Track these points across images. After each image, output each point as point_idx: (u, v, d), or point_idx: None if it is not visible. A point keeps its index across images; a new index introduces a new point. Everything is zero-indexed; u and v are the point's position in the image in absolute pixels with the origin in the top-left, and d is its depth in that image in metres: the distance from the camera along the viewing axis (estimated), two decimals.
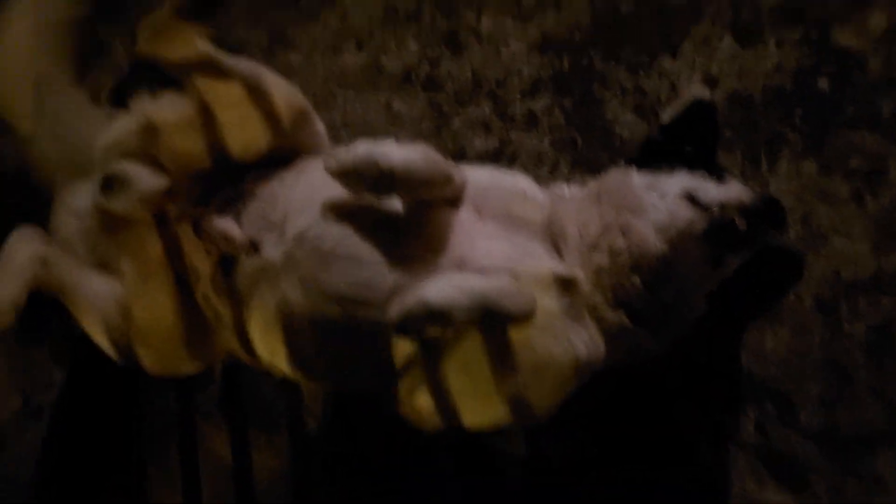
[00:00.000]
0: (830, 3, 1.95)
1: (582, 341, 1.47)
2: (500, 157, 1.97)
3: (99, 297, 1.64)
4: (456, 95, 2.02)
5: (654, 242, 1.48)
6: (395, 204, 1.50)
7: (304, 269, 1.48)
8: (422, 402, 1.48)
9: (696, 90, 1.74)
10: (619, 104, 1.96)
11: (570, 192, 1.67)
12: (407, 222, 1.49)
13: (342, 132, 2.03)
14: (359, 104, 2.05)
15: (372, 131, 2.03)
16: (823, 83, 1.91)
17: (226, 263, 1.60)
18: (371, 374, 1.52)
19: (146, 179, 1.60)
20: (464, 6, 2.07)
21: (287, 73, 2.05)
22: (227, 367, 1.86)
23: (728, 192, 1.47)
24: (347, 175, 1.43)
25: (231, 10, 2.12)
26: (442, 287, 1.34)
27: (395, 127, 2.02)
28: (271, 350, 1.57)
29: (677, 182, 1.52)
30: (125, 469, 1.84)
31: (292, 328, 1.51)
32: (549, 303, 1.46)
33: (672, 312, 1.53)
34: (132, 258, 1.66)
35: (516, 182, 1.60)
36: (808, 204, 1.84)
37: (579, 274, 1.50)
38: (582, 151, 1.95)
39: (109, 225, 1.67)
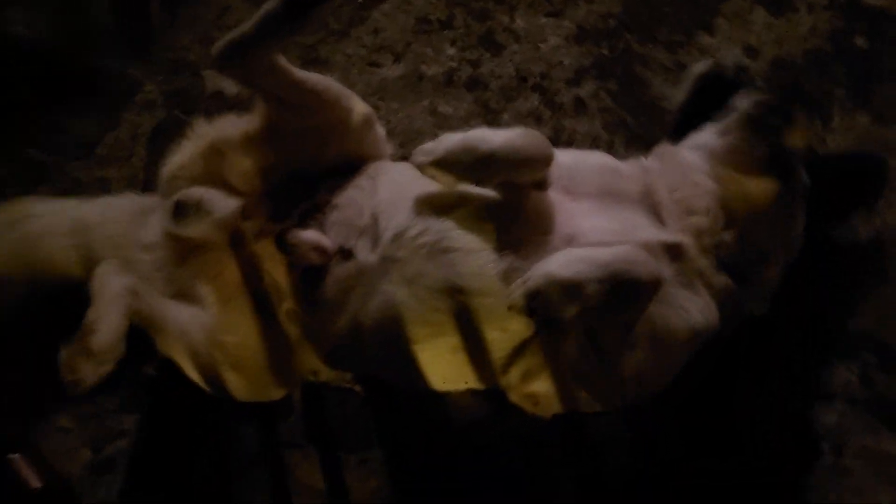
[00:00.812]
0: None
1: (697, 308, 1.44)
2: (556, 144, 1.95)
3: (185, 326, 1.56)
4: (502, 91, 2.03)
5: (715, 185, 1.50)
6: (489, 191, 1.48)
7: (409, 267, 1.43)
8: (539, 388, 1.43)
9: (697, 66, 1.75)
10: (663, 81, 1.99)
11: (645, 162, 1.67)
12: (507, 207, 1.46)
13: (389, 142, 2.01)
14: (403, 113, 2.04)
15: (420, 138, 2.01)
16: (860, 41, 1.96)
17: (311, 275, 1.55)
18: (479, 364, 1.47)
19: (218, 200, 1.56)
20: (495, 8, 2.10)
21: None
22: (306, 393, 1.79)
23: (744, 102, 1.53)
24: (444, 166, 1.41)
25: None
26: (567, 261, 1.29)
27: (443, 129, 2.00)
28: (366, 357, 1.52)
29: (710, 129, 1.57)
30: None
31: (397, 329, 1.45)
32: (662, 273, 1.44)
33: (770, 255, 1.53)
34: (210, 283, 1.59)
35: (603, 158, 1.59)
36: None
37: (685, 239, 1.49)
38: (634, 130, 1.96)
39: (183, 253, 1.61)
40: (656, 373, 1.44)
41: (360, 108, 1.66)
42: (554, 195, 1.51)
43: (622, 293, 1.30)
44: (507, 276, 1.37)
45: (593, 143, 1.96)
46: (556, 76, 2.02)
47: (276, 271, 1.59)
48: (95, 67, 2.12)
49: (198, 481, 1.73)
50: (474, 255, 1.40)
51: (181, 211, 1.56)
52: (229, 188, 1.62)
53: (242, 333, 1.58)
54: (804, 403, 1.69)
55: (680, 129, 1.71)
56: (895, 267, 1.75)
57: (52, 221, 1.67)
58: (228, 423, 1.75)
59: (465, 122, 2.01)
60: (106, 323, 1.36)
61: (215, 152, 1.62)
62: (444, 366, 1.48)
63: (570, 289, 1.27)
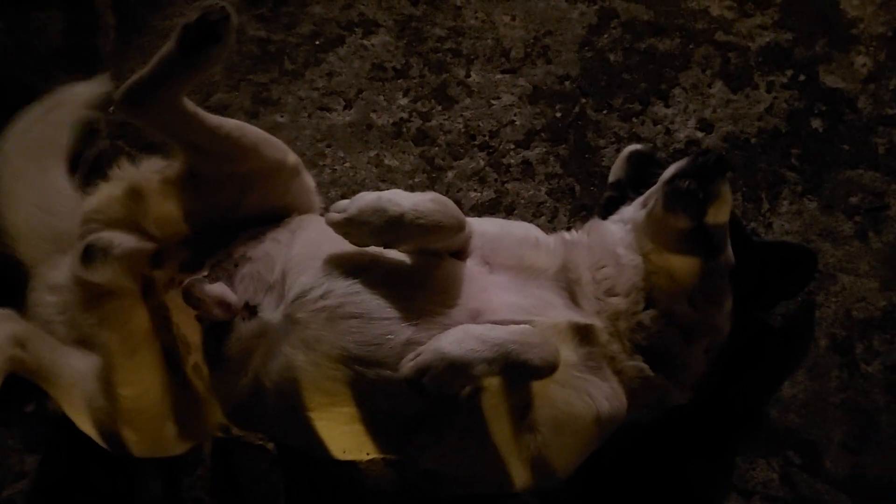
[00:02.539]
0: (815, 46, 2.02)
1: (603, 395, 1.42)
2: (497, 208, 1.95)
3: (80, 378, 1.53)
4: (449, 148, 2.02)
5: (639, 259, 1.49)
6: (402, 256, 1.47)
7: (308, 330, 1.40)
8: (435, 466, 1.41)
9: (629, 147, 1.79)
10: (616, 151, 1.97)
11: (573, 235, 1.66)
12: (416, 274, 1.45)
13: (331, 191, 2.00)
14: (349, 162, 2.03)
15: (363, 188, 2.00)
16: (817, 123, 1.95)
17: (218, 330, 1.54)
18: (380, 435, 1.46)
19: (129, 245, 1.55)
20: (452, 61, 2.10)
21: (273, 133, 2.03)
22: (216, 447, 1.77)
23: (667, 171, 1.49)
24: (354, 225, 1.39)
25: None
26: (460, 338, 1.27)
27: (386, 183, 2.00)
28: (268, 419, 1.50)
29: (634, 203, 1.58)
30: None
31: (295, 394, 1.44)
32: (568, 354, 1.40)
33: (694, 338, 1.51)
34: (116, 332, 1.56)
35: (527, 230, 1.58)
36: (812, 243, 1.84)
37: (597, 322, 1.48)
38: (581, 198, 1.95)
39: (91, 298, 1.58)
40: (560, 458, 1.41)
41: (283, 156, 1.63)
42: (471, 265, 1.50)
43: (512, 374, 1.29)
44: (405, 349, 1.35)
45: (537, 210, 1.95)
46: (505, 136, 2.01)
47: (185, 324, 1.56)
48: (42, 88, 2.12)
49: None
50: (374, 323, 1.39)
51: (90, 255, 1.54)
52: (146, 234, 1.61)
53: (143, 386, 1.55)
54: (721, 497, 1.67)
55: (612, 205, 1.71)
56: (825, 363, 1.74)
57: None
58: (132, 469, 1.73)
59: (409, 177, 2.00)
60: None
61: (134, 196, 1.60)
62: (342, 435, 1.46)
63: (459, 367, 1.25)
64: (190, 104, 1.50)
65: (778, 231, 1.84)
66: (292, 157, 1.66)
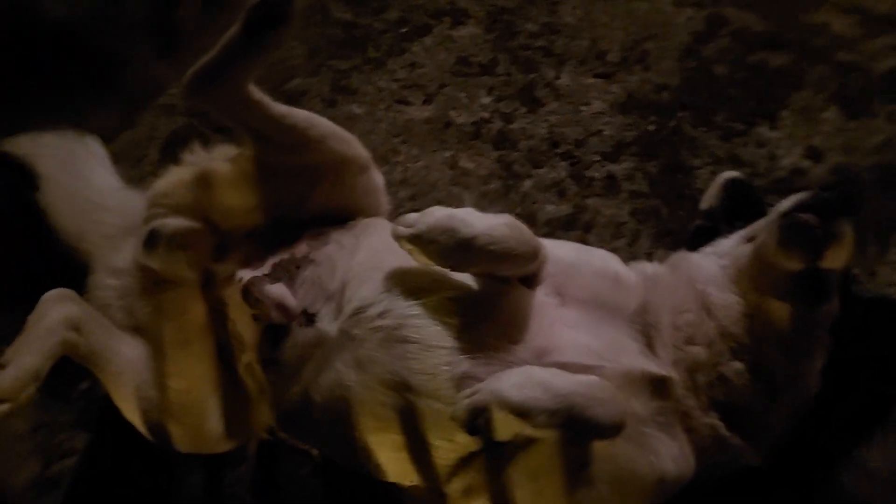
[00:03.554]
0: None
1: (671, 455, 1.30)
2: (573, 224, 1.83)
3: (130, 366, 1.50)
4: (530, 154, 1.90)
5: (734, 299, 1.33)
6: (470, 280, 1.38)
7: (363, 350, 1.32)
8: None
9: (725, 173, 1.61)
10: (711, 173, 1.81)
11: (653, 271, 1.54)
12: (481, 302, 1.35)
13: (401, 191, 1.91)
14: (422, 161, 1.93)
15: (433, 192, 1.91)
16: None
17: (274, 333, 1.48)
18: (426, 467, 1.38)
19: (182, 225, 1.51)
20: (542, 60, 1.97)
21: (348, 124, 1.96)
22: (261, 446, 1.73)
23: (785, 202, 1.31)
24: (421, 243, 1.30)
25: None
26: (522, 382, 1.16)
27: (459, 187, 1.89)
28: (315, 433, 1.44)
29: (733, 237, 1.41)
30: None
31: (344, 413, 1.38)
32: (637, 408, 1.28)
33: (779, 396, 1.37)
34: (172, 322, 1.53)
35: (606, 261, 1.46)
36: None
37: (674, 374, 1.35)
38: (666, 222, 1.80)
39: (150, 285, 1.54)
40: None
41: (351, 151, 1.55)
42: (542, 295, 1.39)
43: (574, 430, 1.18)
44: (461, 383, 1.25)
45: (617, 231, 1.81)
46: (591, 146, 1.88)
47: (241, 321, 1.51)
48: (124, 60, 2.10)
49: None
50: (431, 351, 1.29)
51: (153, 241, 1.51)
52: (211, 224, 1.56)
53: (193, 380, 1.51)
54: None
55: (701, 237, 1.57)
56: None
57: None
58: (176, 459, 1.70)
59: (483, 182, 1.89)
60: (19, 364, 1.31)
61: (202, 184, 1.55)
62: (387, 460, 1.39)
63: (516, 414, 1.14)
64: (256, 91, 1.43)
65: (883, 281, 1.66)
66: (362, 153, 1.58)
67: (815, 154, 1.77)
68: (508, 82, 1.91)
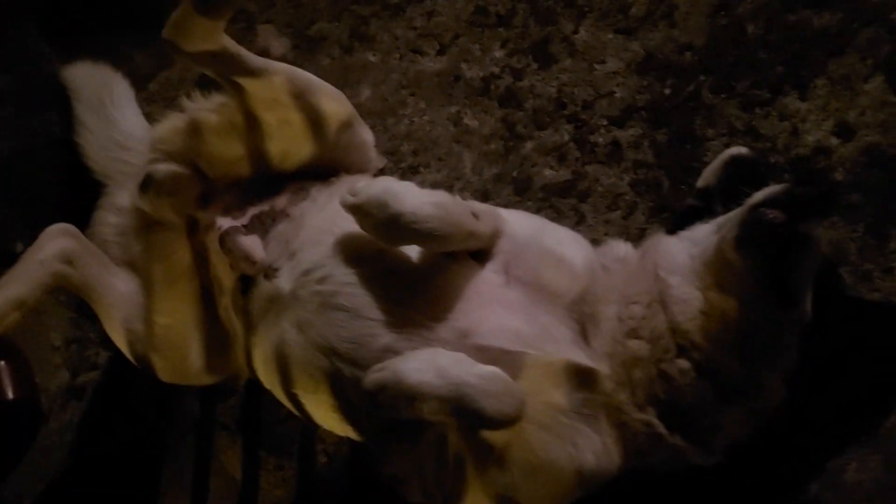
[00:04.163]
0: None
1: (591, 448, 1.26)
2: (569, 192, 1.74)
3: (121, 300, 1.63)
4: (535, 115, 1.80)
5: (694, 294, 1.25)
6: (413, 252, 1.37)
7: (304, 311, 1.35)
8: (397, 474, 1.36)
9: (732, 149, 1.46)
10: (724, 146, 1.65)
11: (624, 254, 1.45)
12: (417, 276, 1.34)
13: (405, 144, 1.89)
14: (428, 116, 1.89)
15: (434, 148, 1.88)
16: None
17: (245, 282, 1.55)
18: (358, 428, 1.42)
19: (168, 171, 1.56)
20: (563, 12, 1.84)
21: (362, 73, 1.95)
22: (250, 382, 1.83)
23: (756, 195, 1.21)
24: (360, 214, 1.29)
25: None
26: (421, 366, 1.15)
27: (460, 145, 1.84)
28: (269, 381, 1.51)
29: (711, 223, 1.30)
30: (144, 465, 1.88)
31: (285, 369, 1.44)
32: (558, 397, 1.24)
33: (733, 399, 1.29)
34: (161, 262, 1.63)
35: (557, 242, 1.39)
36: None
37: (602, 367, 1.29)
38: (666, 198, 1.67)
39: (143, 226, 1.65)
40: (529, 503, 1.31)
41: (333, 107, 1.56)
42: (489, 272, 1.36)
43: (462, 420, 1.17)
44: (382, 355, 1.28)
45: (613, 202, 1.71)
46: (599, 109, 1.76)
47: (220, 267, 1.59)
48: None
49: (137, 437, 1.87)
50: (359, 321, 1.31)
51: (145, 185, 1.60)
52: (199, 172, 1.63)
53: (176, 317, 1.61)
54: None
55: (690, 217, 1.46)
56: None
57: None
58: (177, 388, 1.84)
59: (485, 142, 1.83)
60: (5, 293, 1.47)
61: (193, 132, 1.61)
62: (325, 418, 1.45)
63: (410, 396, 1.15)
64: (231, 44, 1.44)
65: None
66: (343, 108, 1.58)
67: (845, 131, 1.57)
68: (524, 35, 1.81)
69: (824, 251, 1.50)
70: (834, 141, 1.56)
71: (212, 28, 1.36)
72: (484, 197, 1.77)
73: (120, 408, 1.87)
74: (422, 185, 1.77)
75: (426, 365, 1.16)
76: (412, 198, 1.24)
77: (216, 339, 1.62)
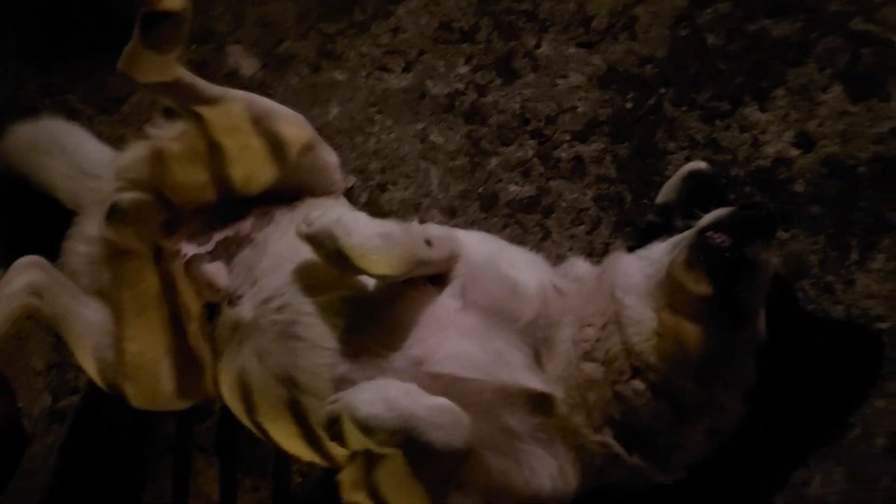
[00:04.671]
0: None
1: (548, 473, 1.26)
2: (534, 207, 1.74)
3: (91, 329, 1.63)
4: (499, 130, 1.80)
5: (648, 314, 1.25)
6: (367, 280, 1.37)
7: (264, 340, 1.36)
8: (362, 503, 1.36)
9: (691, 164, 1.46)
10: (685, 159, 1.65)
11: (583, 273, 1.45)
12: (374, 304, 1.34)
13: (373, 162, 1.89)
14: (395, 132, 1.88)
15: (402, 165, 1.87)
16: None
17: (210, 309, 1.56)
18: (322, 457, 1.43)
19: (130, 199, 1.58)
20: (525, 26, 1.83)
21: (330, 91, 1.95)
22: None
23: (704, 218, 1.23)
24: (312, 243, 1.31)
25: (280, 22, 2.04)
26: (372, 398, 1.15)
27: (427, 161, 1.83)
28: (235, 408, 1.52)
29: (667, 242, 1.30)
30: (125, 487, 1.89)
31: (248, 397, 1.44)
32: (513, 423, 1.25)
33: (690, 418, 1.30)
34: (129, 289, 1.64)
35: (512, 266, 1.39)
36: None
37: (557, 391, 1.30)
38: (629, 212, 1.67)
39: (112, 254, 1.66)
40: None
41: (293, 131, 1.56)
42: (446, 297, 1.36)
43: (411, 452, 1.17)
44: (339, 385, 1.28)
45: (577, 217, 1.70)
46: (562, 124, 1.75)
47: (188, 294, 1.60)
48: None
49: (117, 460, 1.89)
50: (316, 351, 1.32)
51: (112, 213, 1.61)
52: (164, 199, 1.64)
53: (146, 344, 1.62)
54: None
55: (650, 233, 1.46)
56: (875, 468, 1.41)
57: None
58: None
59: (451, 158, 1.82)
60: None
61: (157, 160, 1.62)
62: (291, 445, 1.46)
63: (360, 429, 1.15)
64: (186, 74, 1.45)
65: (860, 292, 1.47)
66: (304, 132, 1.58)
67: (806, 142, 1.56)
68: (487, 50, 1.81)
69: (786, 264, 1.49)
70: (794, 152, 1.55)
71: (162, 62, 1.36)
72: (451, 213, 1.77)
73: (99, 431, 1.89)
74: (390, 202, 1.80)
75: (376, 397, 1.17)
76: (361, 229, 1.25)
77: (187, 364, 1.62)
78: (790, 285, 1.43)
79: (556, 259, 1.63)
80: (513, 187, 1.72)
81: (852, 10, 1.56)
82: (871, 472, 1.39)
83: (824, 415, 1.42)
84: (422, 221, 1.36)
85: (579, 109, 1.71)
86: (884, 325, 1.43)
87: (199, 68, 2.03)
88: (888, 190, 1.48)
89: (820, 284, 1.48)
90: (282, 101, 1.59)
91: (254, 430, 1.48)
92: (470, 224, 1.72)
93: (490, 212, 1.72)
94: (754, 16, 1.62)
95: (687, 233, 1.26)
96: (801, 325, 1.42)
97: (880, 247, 1.47)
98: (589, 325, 1.30)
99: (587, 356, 1.28)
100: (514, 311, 1.29)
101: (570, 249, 1.64)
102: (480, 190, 1.74)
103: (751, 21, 1.62)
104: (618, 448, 1.28)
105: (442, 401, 1.17)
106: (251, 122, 1.50)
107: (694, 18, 1.66)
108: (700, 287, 1.19)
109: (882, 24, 1.54)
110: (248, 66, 2.00)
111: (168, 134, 1.59)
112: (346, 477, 1.34)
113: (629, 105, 1.67)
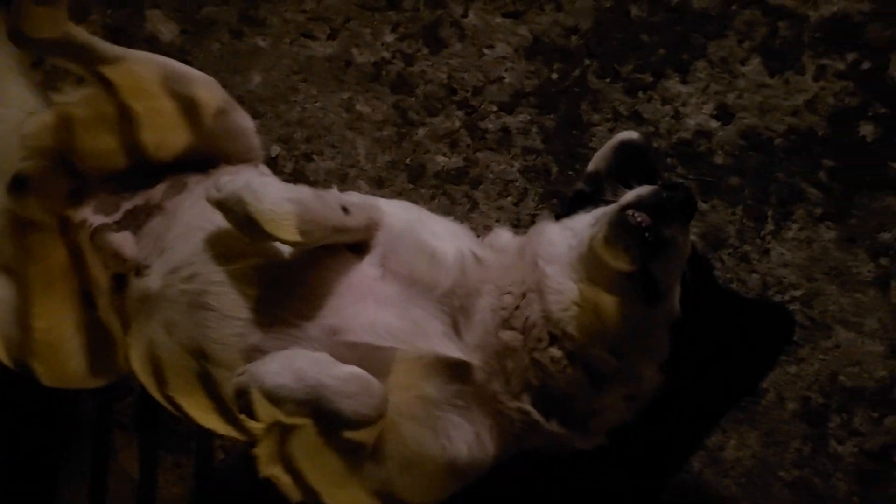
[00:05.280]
0: None
1: (465, 440, 1.25)
2: (461, 178, 1.71)
3: None
4: (426, 101, 1.76)
5: (569, 285, 1.25)
6: (281, 248, 1.32)
7: (172, 312, 1.31)
8: (279, 476, 1.33)
9: (622, 133, 1.45)
10: (609, 131, 1.64)
11: (505, 243, 1.44)
12: (289, 273, 1.30)
13: (297, 132, 1.83)
14: (320, 102, 1.83)
15: (327, 135, 1.82)
16: (867, 129, 1.51)
17: (118, 281, 1.49)
18: (237, 430, 1.39)
19: (42, 180, 1.50)
20: None
21: (252, 58, 1.87)
22: None
23: (626, 196, 1.22)
24: (224, 209, 1.24)
25: None
26: (279, 369, 1.12)
27: (353, 131, 1.78)
28: (146, 383, 1.46)
29: (591, 214, 1.29)
30: (41, 466, 1.81)
31: (158, 372, 1.39)
32: (430, 390, 1.22)
33: (606, 386, 1.30)
34: (35, 263, 1.54)
35: (432, 235, 1.36)
36: (815, 282, 1.48)
37: (473, 358, 1.28)
38: (555, 183, 1.66)
39: (16, 226, 1.57)
40: (409, 496, 1.29)
41: (202, 93, 1.48)
42: (366, 266, 1.33)
43: (321, 422, 1.14)
44: (250, 356, 1.23)
45: (504, 188, 1.68)
46: (489, 95, 1.72)
47: (96, 266, 1.52)
48: None
49: (33, 438, 1.80)
50: (226, 321, 1.27)
51: (14, 184, 1.52)
52: (70, 167, 1.55)
53: (54, 320, 1.53)
54: None
55: (579, 202, 1.45)
56: (787, 430, 1.44)
57: None
58: None
59: (377, 128, 1.77)
60: None
61: (63, 126, 1.53)
62: (205, 419, 1.41)
63: (268, 400, 1.11)
64: (79, 32, 1.38)
65: (775, 261, 1.49)
66: (214, 94, 1.50)
67: (725, 114, 1.57)
68: (414, 18, 1.76)
69: (705, 235, 1.50)
70: (714, 124, 1.56)
71: (51, 16, 1.28)
72: (378, 184, 1.73)
73: (14, 408, 1.79)
74: (316, 173, 1.74)
75: (284, 368, 1.13)
76: (271, 194, 1.20)
77: (99, 341, 1.54)
78: (706, 257, 1.44)
79: (484, 230, 1.61)
80: (440, 158, 1.68)
81: None
82: (784, 434, 1.42)
83: (739, 381, 1.44)
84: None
85: (506, 80, 1.68)
86: (797, 293, 1.45)
87: (116, 34, 1.93)
88: (802, 162, 1.50)
89: (737, 254, 1.50)
90: (202, 68, 1.52)
91: (167, 405, 1.42)
92: (398, 195, 1.68)
93: (418, 183, 1.68)
94: None
95: (609, 208, 1.25)
96: (717, 293, 1.42)
97: (794, 217, 1.49)
98: (507, 294, 1.29)
99: (505, 324, 1.27)
100: (432, 279, 1.27)
101: (498, 220, 1.62)
102: (408, 161, 1.70)
103: None
104: (536, 415, 1.27)
105: (352, 369, 1.13)
106: (160, 85, 1.43)
107: None
108: (619, 263, 1.18)
109: None
110: (167, 31, 1.91)
111: (73, 98, 1.50)
112: (262, 451, 1.30)
113: (555, 76, 1.65)
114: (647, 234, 1.16)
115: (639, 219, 1.17)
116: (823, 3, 1.53)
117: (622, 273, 1.19)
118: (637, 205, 1.19)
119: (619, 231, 1.17)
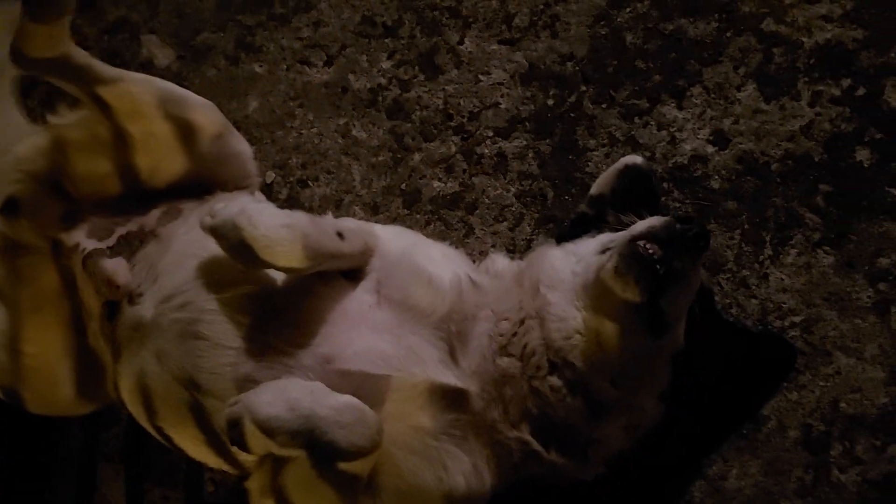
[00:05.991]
0: (891, 52, 1.52)
1: (461, 471, 1.20)
2: (457, 203, 1.68)
3: None
4: (422, 126, 1.74)
5: (572, 313, 1.21)
6: (274, 275, 1.29)
7: (163, 341, 1.27)
8: None
9: (627, 157, 1.42)
10: (605, 156, 1.63)
11: (502, 268, 1.41)
12: (282, 300, 1.26)
13: (293, 157, 1.81)
14: (316, 128, 1.80)
15: (323, 161, 1.80)
16: (864, 155, 1.50)
17: (110, 308, 1.45)
18: (229, 463, 1.34)
19: (35, 204, 1.47)
20: (448, 22, 1.78)
21: (249, 84, 1.86)
22: None
23: (638, 226, 1.20)
24: (216, 236, 1.19)
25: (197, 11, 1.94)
26: (272, 399, 1.08)
27: (349, 157, 1.76)
28: (136, 413, 1.42)
29: (596, 241, 1.26)
30: (24, 499, 1.75)
31: (148, 402, 1.34)
32: (425, 420, 1.18)
33: (605, 416, 1.26)
34: (26, 287, 1.50)
35: (428, 260, 1.33)
36: (814, 308, 1.45)
37: (470, 385, 1.24)
38: (552, 208, 1.63)
39: (7, 250, 1.53)
40: None
41: (198, 117, 1.45)
42: (361, 292, 1.29)
43: (315, 453, 1.09)
44: (243, 385, 1.19)
45: (500, 213, 1.65)
46: (485, 120, 1.70)
47: (88, 292, 1.48)
48: None
49: (17, 469, 1.74)
50: (218, 350, 1.23)
51: (6, 208, 1.48)
52: (63, 191, 1.52)
53: (44, 345, 1.49)
54: None
55: (581, 225, 1.42)
56: (789, 459, 1.40)
57: None
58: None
59: (373, 154, 1.75)
60: None
61: (56, 149, 1.50)
62: (195, 452, 1.36)
63: (262, 431, 1.07)
64: (77, 52, 1.36)
65: (774, 286, 1.47)
66: (211, 118, 1.48)
67: (721, 139, 1.55)
68: (410, 46, 1.74)
69: (703, 260, 1.47)
70: (710, 149, 1.54)
71: (50, 34, 1.26)
72: (374, 210, 1.70)
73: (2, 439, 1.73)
74: (311, 198, 1.72)
75: (277, 398, 1.09)
76: (266, 220, 1.17)
77: (88, 367, 1.50)
78: (709, 287, 1.41)
79: (480, 255, 1.58)
80: (436, 183, 1.66)
81: (763, 11, 1.56)
82: (786, 463, 1.38)
83: (740, 408, 1.40)
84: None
85: (502, 106, 1.66)
86: (796, 319, 1.42)
87: (112, 58, 1.91)
88: (799, 187, 1.49)
89: (735, 279, 1.47)
90: (198, 94, 1.49)
91: (157, 436, 1.37)
92: (393, 220, 1.65)
93: (413, 208, 1.66)
94: (671, 15, 1.60)
95: (618, 237, 1.22)
96: (717, 320, 1.39)
97: (792, 242, 1.46)
98: (505, 320, 1.25)
99: (503, 350, 1.23)
100: (428, 305, 1.23)
101: (494, 246, 1.60)
102: (403, 186, 1.68)
103: (668, 20, 1.61)
104: (536, 445, 1.23)
105: (347, 398, 1.09)
106: (156, 107, 1.41)
107: (613, 18, 1.64)
108: (627, 295, 1.15)
109: (791, 25, 1.54)
110: (164, 56, 1.89)
111: (68, 121, 1.47)
112: (254, 483, 1.26)
113: (550, 102, 1.64)
114: (658, 267, 1.13)
115: (650, 250, 1.14)
116: (817, 29, 1.52)
117: (630, 304, 1.16)
118: (648, 236, 1.17)
119: (630, 262, 1.14)
